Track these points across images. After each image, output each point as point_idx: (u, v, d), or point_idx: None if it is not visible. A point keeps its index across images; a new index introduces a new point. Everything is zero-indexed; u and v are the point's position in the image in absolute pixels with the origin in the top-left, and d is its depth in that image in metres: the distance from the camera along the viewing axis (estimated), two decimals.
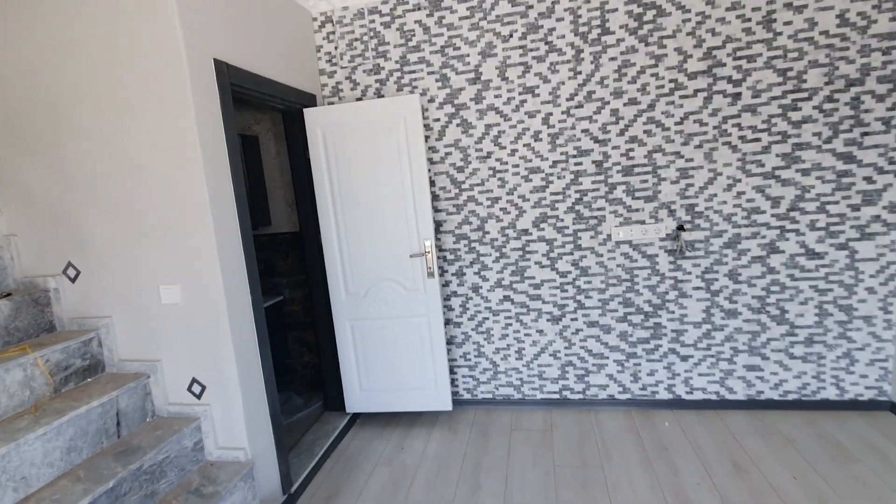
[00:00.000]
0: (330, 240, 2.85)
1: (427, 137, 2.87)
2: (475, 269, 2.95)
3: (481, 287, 2.96)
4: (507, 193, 2.84)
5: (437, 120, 2.84)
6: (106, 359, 2.11)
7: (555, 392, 2.98)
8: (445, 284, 3.00)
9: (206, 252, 1.94)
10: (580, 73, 2.65)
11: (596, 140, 2.69)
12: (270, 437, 2.20)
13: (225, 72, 2.02)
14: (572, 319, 2.88)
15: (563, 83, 2.67)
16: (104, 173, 2.00)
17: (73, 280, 2.12)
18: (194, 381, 2.06)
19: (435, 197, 2.93)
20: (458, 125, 2.83)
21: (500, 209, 2.86)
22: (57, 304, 2.12)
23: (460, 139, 2.84)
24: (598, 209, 2.74)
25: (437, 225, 2.95)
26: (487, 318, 2.99)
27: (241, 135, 3.01)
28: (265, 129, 3.15)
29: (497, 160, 2.82)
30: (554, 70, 2.67)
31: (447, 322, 3.04)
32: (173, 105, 1.87)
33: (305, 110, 2.74)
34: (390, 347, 2.90)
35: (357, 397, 3.00)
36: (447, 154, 2.87)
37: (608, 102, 2.65)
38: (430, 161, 2.90)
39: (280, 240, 3.26)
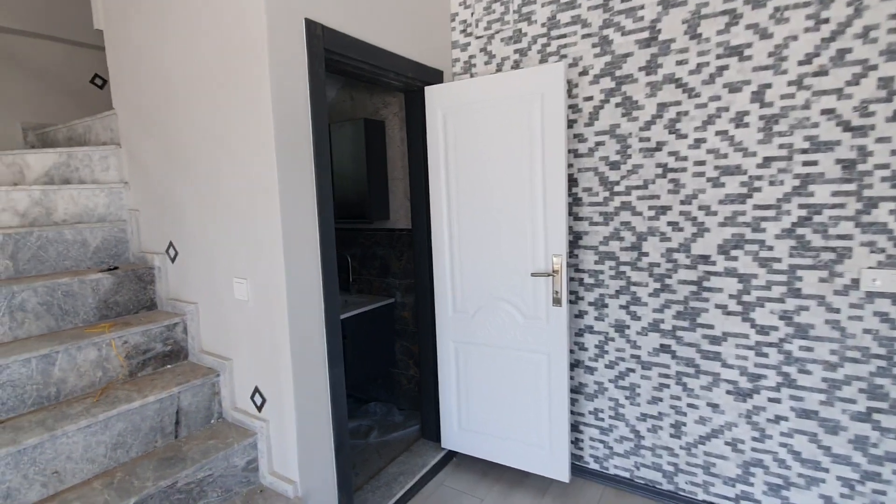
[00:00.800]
0: (440, 243, 2.39)
1: (572, 123, 2.19)
2: (622, 300, 2.17)
3: (629, 327, 2.17)
4: (683, 202, 1.99)
5: (589, 99, 2.14)
6: (189, 347, 2.01)
7: (728, 498, 2.03)
8: (578, 315, 2.29)
9: (271, 247, 1.65)
10: (827, 20, 1.67)
11: (848, 127, 1.67)
12: (332, 471, 1.84)
13: (319, 35, 1.69)
14: (772, 400, 1.89)
15: (796, 38, 1.72)
16: (196, 151, 1.86)
17: (172, 260, 2.06)
18: (257, 390, 1.81)
19: (575, 200, 2.23)
20: (617, 105, 2.08)
21: (669, 223, 2.03)
22: (160, 282, 2.09)
23: (619, 124, 2.09)
24: (841, 237, 1.72)
25: (574, 238, 2.25)
26: (633, 371, 2.18)
27: (365, 119, 2.76)
28: (392, 114, 2.85)
29: (671, 154, 1.99)
30: (780, 18, 1.74)
31: (575, 364, 2.33)
32: (248, 74, 1.60)
33: (426, 88, 2.32)
34: (498, 384, 2.32)
35: (454, 434, 2.49)
36: (598, 144, 2.15)
37: (874, 67, 1.61)
38: (574, 153, 2.21)
39: (397, 236, 2.94)
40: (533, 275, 2.12)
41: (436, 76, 2.35)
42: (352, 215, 2.93)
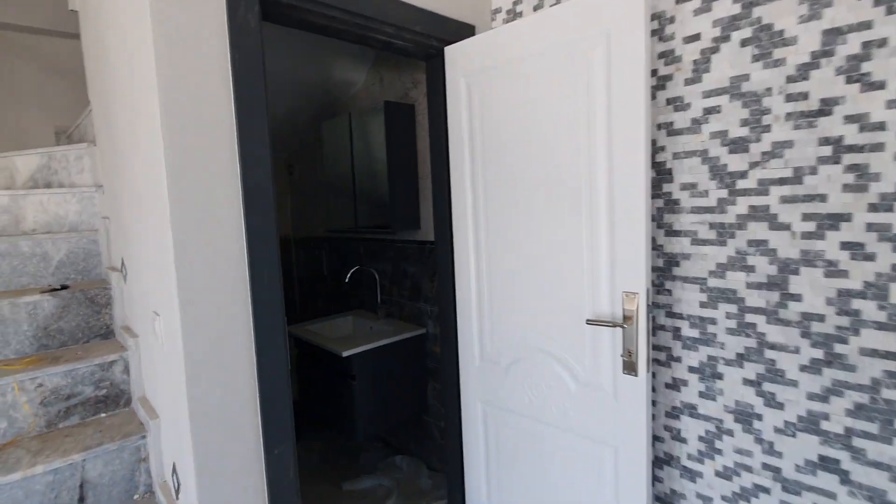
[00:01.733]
0: (464, 264, 1.72)
1: (663, 81, 1.38)
2: (750, 371, 1.30)
3: (760, 417, 1.29)
4: (874, 207, 1.08)
5: (694, 38, 1.32)
6: (133, 391, 1.60)
7: None
8: (672, 385, 1.45)
9: (166, 271, 1.13)
10: None
11: None
12: None
13: None
14: None
15: None
16: (124, 143, 1.44)
17: (125, 280, 1.69)
18: (174, 468, 1.32)
19: (668, 204, 1.41)
20: (745, 42, 1.23)
21: (846, 245, 1.13)
22: (116, 306, 1.73)
23: (747, 75, 1.24)
24: None
25: (666, 263, 1.43)
26: (767, 491, 1.30)
27: (387, 103, 2.18)
28: (422, 95, 2.24)
29: (851, 120, 1.10)
30: None
31: (664, 461, 1.49)
32: (134, 36, 1.11)
33: (446, 49, 1.67)
34: (542, 477, 1.57)
35: None
36: (709, 112, 1.31)
37: None
38: (665, 129, 1.39)
39: (428, 251, 2.32)
40: (590, 322, 1.34)
41: (464, 34, 1.69)
42: (374, 224, 2.37)
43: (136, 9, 1.11)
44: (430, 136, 1.84)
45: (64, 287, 1.69)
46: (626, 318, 1.29)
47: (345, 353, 2.06)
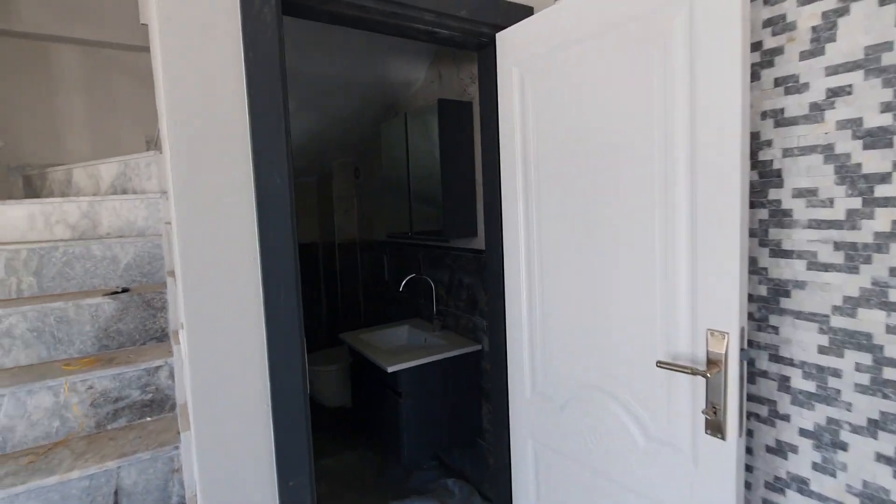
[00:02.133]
0: (514, 278, 1.51)
1: (768, 58, 1.07)
2: (886, 444, 0.96)
3: None
4: None
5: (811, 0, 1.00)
6: (177, 397, 1.61)
7: None
8: (775, 450, 1.13)
9: (178, 278, 1.08)
10: None
11: None
12: None
13: None
14: None
15: None
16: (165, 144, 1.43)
17: (175, 283, 1.71)
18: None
19: (773, 215, 1.09)
20: (883, 1, 0.90)
21: None
22: (171, 309, 1.77)
23: (889, 44, 0.90)
24: None
25: (771, 292, 1.11)
26: None
27: (440, 101, 2.03)
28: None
29: None
30: None
31: None
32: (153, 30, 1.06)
33: (497, 36, 1.47)
34: None
35: None
36: (835, 94, 0.98)
37: None
38: (773, 118, 1.08)
39: (484, 261, 2.12)
40: (661, 365, 1.07)
41: (520, 17, 1.48)
42: (427, 230, 2.23)
43: (152, 10, 1.07)
44: (482, 136, 1.65)
45: (125, 290, 1.75)
46: (711, 364, 1.01)
47: (390, 369, 1.94)
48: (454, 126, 2.06)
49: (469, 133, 2.10)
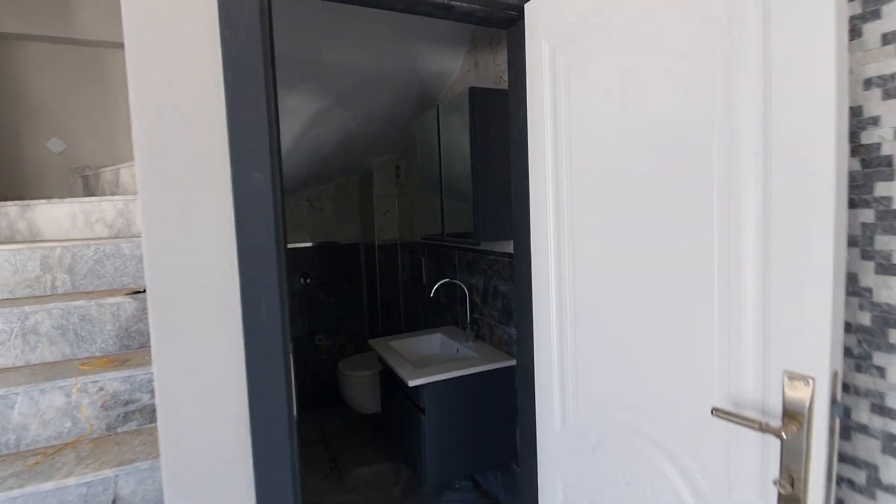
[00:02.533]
0: (543, 289, 1.29)
1: (872, 4, 0.78)
2: None
3: None
4: None
5: None
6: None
7: None
8: None
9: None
10: None
11: None
12: None
13: None
14: None
15: None
16: None
17: None
18: None
19: (883, 217, 0.81)
20: None
21: None
22: None
23: None
24: None
25: (878, 321, 0.82)
26: None
27: (472, 90, 1.84)
28: None
29: None
30: None
31: None
32: None
33: (526, 6, 1.27)
34: None
35: None
36: None
37: None
38: (877, 86, 0.79)
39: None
40: (718, 413, 0.82)
41: None
42: (459, 232, 2.05)
43: None
44: (510, 125, 1.45)
45: (143, 291, 1.74)
46: (789, 418, 0.75)
47: (412, 383, 1.79)
48: (487, 117, 1.87)
49: (504, 124, 1.89)
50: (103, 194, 2.54)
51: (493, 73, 1.98)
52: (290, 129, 2.44)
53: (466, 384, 1.89)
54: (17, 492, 1.20)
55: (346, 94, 2.37)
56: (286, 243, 1.09)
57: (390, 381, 2.17)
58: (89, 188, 2.68)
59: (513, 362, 1.98)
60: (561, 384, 1.26)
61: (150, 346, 1.64)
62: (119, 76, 2.78)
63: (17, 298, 1.69)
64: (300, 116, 2.41)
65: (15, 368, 1.53)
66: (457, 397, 1.88)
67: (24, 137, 2.63)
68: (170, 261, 0.94)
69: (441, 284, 2.25)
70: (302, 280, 3.33)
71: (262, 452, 1.01)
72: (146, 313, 1.69)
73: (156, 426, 1.52)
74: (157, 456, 1.33)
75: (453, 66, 2.25)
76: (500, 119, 1.90)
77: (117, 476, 1.29)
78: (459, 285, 2.35)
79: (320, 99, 2.34)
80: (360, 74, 2.22)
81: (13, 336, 1.54)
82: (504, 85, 1.92)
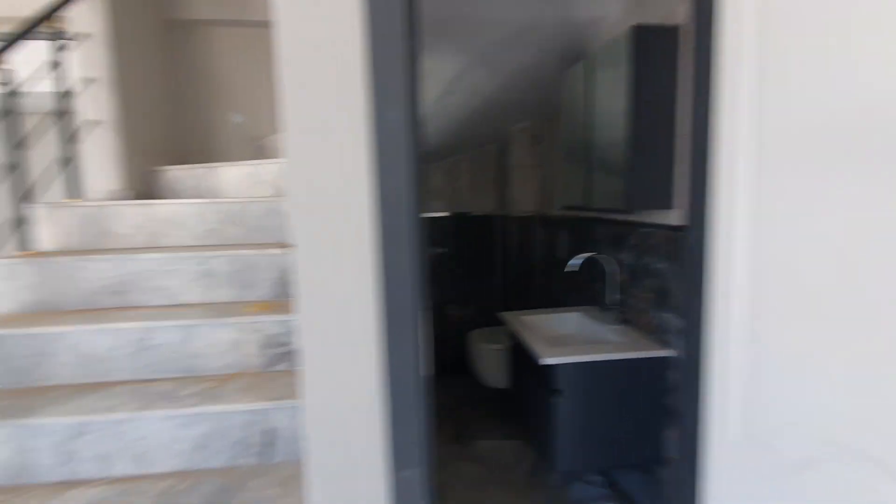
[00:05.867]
0: (726, 267, 1.04)
1: None
2: None
3: None
4: None
5: None
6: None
7: None
8: None
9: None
10: None
11: None
12: None
13: None
14: None
15: None
16: None
17: None
18: None
19: None
20: None
21: None
22: None
23: None
24: None
25: None
26: None
27: (637, 28, 1.57)
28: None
29: None
30: None
31: None
32: None
33: None
34: None
35: None
36: None
37: None
38: None
39: (684, 241, 1.61)
40: None
41: None
42: (608, 201, 1.82)
43: None
44: (695, 69, 1.18)
45: None
46: None
47: (544, 361, 1.65)
48: (651, 62, 1.59)
49: (671, 71, 1.60)
50: (265, 158, 2.83)
51: (662, 6, 1.66)
52: (426, 95, 2.41)
53: (608, 371, 1.69)
54: (197, 409, 1.37)
55: (486, 53, 2.25)
56: (423, 198, 1.03)
57: (521, 358, 2.06)
58: (261, 154, 3.01)
59: (667, 353, 1.72)
60: (745, 385, 1.01)
61: None
62: None
63: (201, 246, 1.95)
64: (436, 81, 2.36)
65: (197, 305, 1.76)
66: (596, 383, 1.70)
67: (213, 111, 3.04)
68: (311, 211, 0.93)
69: (580, 260, 2.05)
70: (435, 250, 3.38)
71: (394, 408, 0.98)
72: None
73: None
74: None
75: (610, 7, 1.97)
76: (665, 65, 1.61)
77: (272, 409, 1.40)
78: (602, 262, 2.11)
79: (458, 60, 2.25)
80: (503, 29, 2.07)
81: (199, 276, 1.78)
82: (671, 21, 1.61)
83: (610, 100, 1.74)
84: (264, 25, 3.01)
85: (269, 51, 3.07)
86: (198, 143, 3.04)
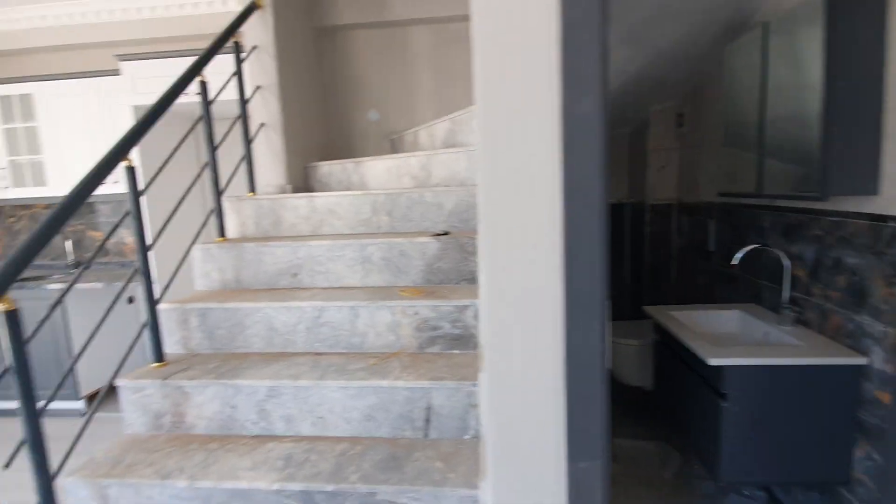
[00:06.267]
0: None
1: None
2: None
3: None
4: None
5: None
6: (479, 337, 1.68)
7: None
8: None
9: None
10: None
11: None
12: None
13: None
14: None
15: None
16: None
17: None
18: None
19: None
20: None
21: None
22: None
23: None
24: None
25: None
26: None
27: None
28: None
29: None
30: None
31: None
32: None
33: None
34: None
35: None
36: None
37: None
38: None
39: (890, 233, 1.36)
40: None
41: None
42: (788, 187, 1.60)
43: None
44: None
45: (445, 233, 1.94)
46: None
47: (713, 361, 1.52)
48: (854, 22, 1.36)
49: (878, 33, 1.35)
50: (403, 153, 2.98)
51: None
52: None
53: (787, 376, 1.51)
54: (365, 382, 1.49)
55: (635, 29, 2.10)
56: (608, 184, 0.99)
57: (671, 356, 1.93)
58: (394, 148, 3.19)
59: (860, 361, 1.48)
60: None
61: (447, 284, 1.82)
62: (418, 50, 3.16)
63: (356, 234, 2.12)
64: None
65: (357, 288, 1.92)
66: (771, 390, 1.52)
67: (353, 110, 3.28)
68: (500, 199, 0.94)
69: (744, 253, 1.84)
70: None
71: (574, 395, 0.97)
72: (445, 254, 1.89)
73: (455, 353, 1.69)
74: (461, 379, 1.47)
75: None
76: (869, 27, 1.37)
77: (431, 389, 1.48)
78: (773, 254, 1.88)
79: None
80: (653, 3, 1.92)
81: (357, 262, 1.94)
82: None
83: (796, 73, 1.53)
84: (397, 24, 3.16)
85: (401, 49, 3.23)
86: (340, 140, 3.30)
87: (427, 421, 1.51)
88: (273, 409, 1.56)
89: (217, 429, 1.59)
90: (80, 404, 3.20)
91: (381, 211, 2.13)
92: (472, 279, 1.90)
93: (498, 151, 0.94)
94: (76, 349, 3.05)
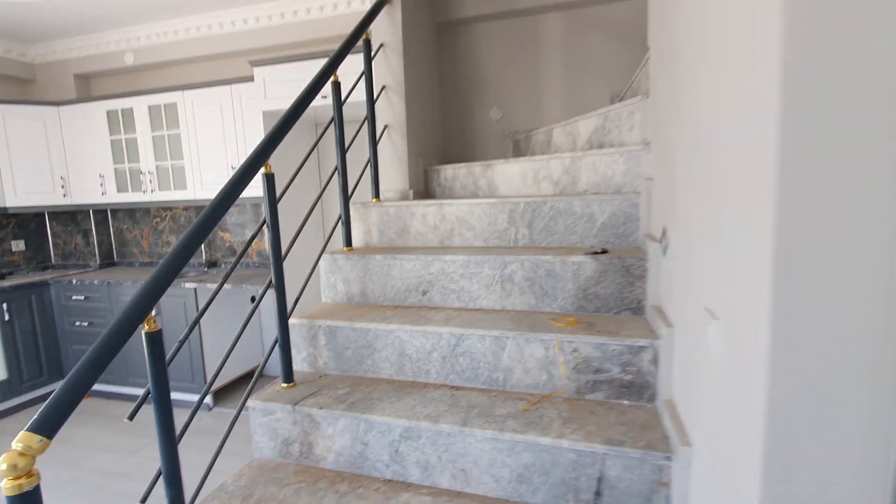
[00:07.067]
0: None
1: None
2: None
3: None
4: None
5: None
6: (658, 388, 1.34)
7: None
8: None
9: (751, 260, 0.69)
10: None
11: None
12: None
13: None
14: None
15: None
16: (685, 83, 1.07)
17: (664, 253, 1.41)
18: None
19: None
20: None
21: None
22: (650, 281, 1.51)
23: None
24: None
25: None
26: None
27: None
28: None
29: None
30: None
31: None
32: None
33: None
34: None
35: None
36: None
37: None
38: None
39: None
40: None
41: None
42: None
43: None
44: None
45: (604, 251, 1.61)
46: None
47: None
48: None
49: None
50: (533, 154, 2.68)
51: None
52: None
53: None
54: (520, 437, 1.23)
55: None
56: None
57: None
58: (519, 150, 2.90)
59: None
60: None
61: (605, 313, 1.49)
62: (547, 41, 2.84)
63: (490, 248, 1.87)
64: None
65: (495, 311, 1.66)
66: None
67: (473, 108, 3.05)
68: (812, 217, 0.61)
69: None
70: None
71: None
72: (604, 277, 1.57)
73: (624, 403, 1.36)
74: (647, 448, 1.15)
75: None
76: None
77: (606, 455, 1.17)
78: None
79: None
80: None
81: (495, 281, 1.68)
82: None
83: None
84: (526, 13, 2.88)
85: (528, 41, 2.94)
86: (458, 141, 3.10)
87: (598, 494, 1.20)
88: (408, 453, 1.36)
89: (346, 465, 1.43)
90: (206, 399, 3.34)
91: (518, 222, 1.86)
92: (636, 309, 1.55)
93: (817, 165, 0.61)
94: (204, 345, 3.18)
